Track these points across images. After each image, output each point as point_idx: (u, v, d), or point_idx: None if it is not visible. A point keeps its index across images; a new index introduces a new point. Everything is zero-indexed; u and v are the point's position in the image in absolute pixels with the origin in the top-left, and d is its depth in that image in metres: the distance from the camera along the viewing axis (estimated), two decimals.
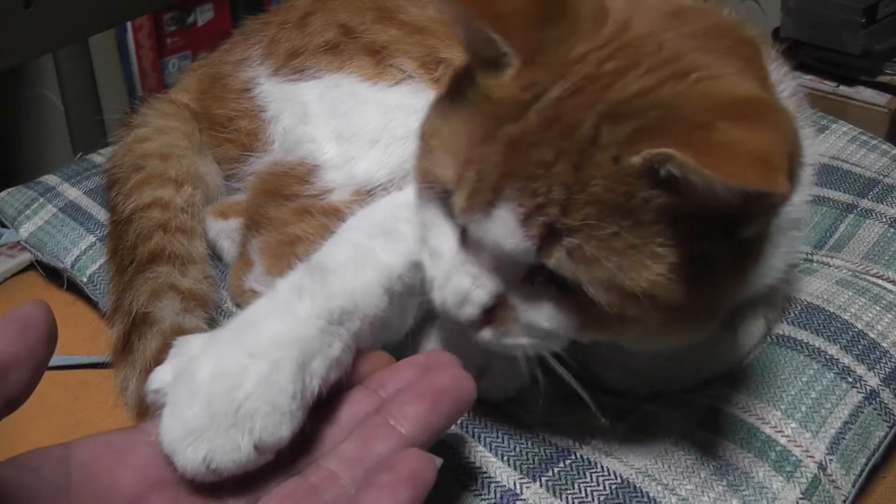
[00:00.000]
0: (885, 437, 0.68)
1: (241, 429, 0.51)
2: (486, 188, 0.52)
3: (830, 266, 0.85)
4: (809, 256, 0.86)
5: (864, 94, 1.42)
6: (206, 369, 0.53)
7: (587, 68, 0.52)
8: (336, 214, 0.74)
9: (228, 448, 0.51)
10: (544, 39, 0.52)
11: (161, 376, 0.58)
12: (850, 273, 0.83)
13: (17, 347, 0.45)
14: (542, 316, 0.55)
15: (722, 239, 0.52)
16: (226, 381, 0.52)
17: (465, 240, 0.56)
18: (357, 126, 0.77)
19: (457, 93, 0.57)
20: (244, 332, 0.56)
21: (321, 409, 0.55)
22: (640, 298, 0.51)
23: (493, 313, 0.55)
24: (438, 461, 0.52)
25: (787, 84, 0.71)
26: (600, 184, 0.49)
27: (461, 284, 0.55)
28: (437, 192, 0.58)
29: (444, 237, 0.58)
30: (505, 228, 0.52)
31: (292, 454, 0.53)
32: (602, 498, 0.60)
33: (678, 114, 0.50)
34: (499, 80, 0.53)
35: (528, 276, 0.54)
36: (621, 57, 0.52)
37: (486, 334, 0.56)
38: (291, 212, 0.77)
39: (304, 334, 0.55)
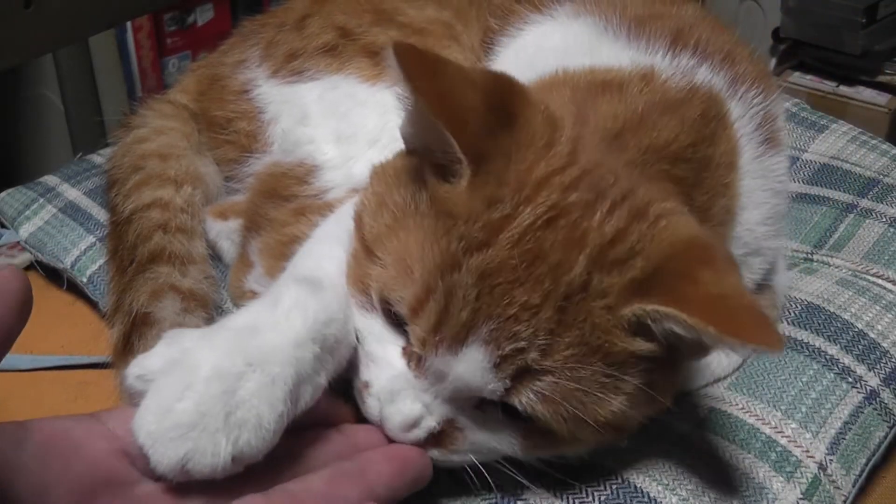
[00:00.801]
0: (886, 437, 0.68)
1: (226, 435, 0.49)
2: (455, 325, 0.50)
3: (830, 266, 0.85)
4: (809, 256, 0.86)
5: (864, 94, 1.42)
6: (206, 365, 0.51)
7: (553, 195, 0.51)
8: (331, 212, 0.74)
9: (209, 452, 0.49)
10: (494, 148, 0.52)
11: (149, 362, 0.54)
12: (850, 273, 0.83)
13: None
14: (491, 439, 0.55)
15: (668, 365, 0.54)
16: (222, 382, 0.50)
17: (413, 360, 0.54)
18: (356, 126, 0.77)
19: (401, 199, 0.55)
20: (245, 338, 0.54)
21: (296, 436, 0.53)
22: (597, 426, 0.52)
23: (439, 435, 0.54)
24: None
25: (757, 109, 0.71)
26: (588, 330, 0.50)
27: (411, 410, 0.53)
28: (371, 303, 0.56)
29: (382, 346, 0.56)
30: (474, 368, 0.50)
31: (259, 471, 0.51)
32: (603, 498, 0.60)
33: (659, 263, 0.51)
34: (454, 191, 0.52)
35: (479, 404, 0.54)
36: (583, 188, 0.52)
37: (433, 454, 0.55)
38: (290, 212, 0.77)
39: (301, 356, 0.53)
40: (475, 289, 0.49)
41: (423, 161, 0.55)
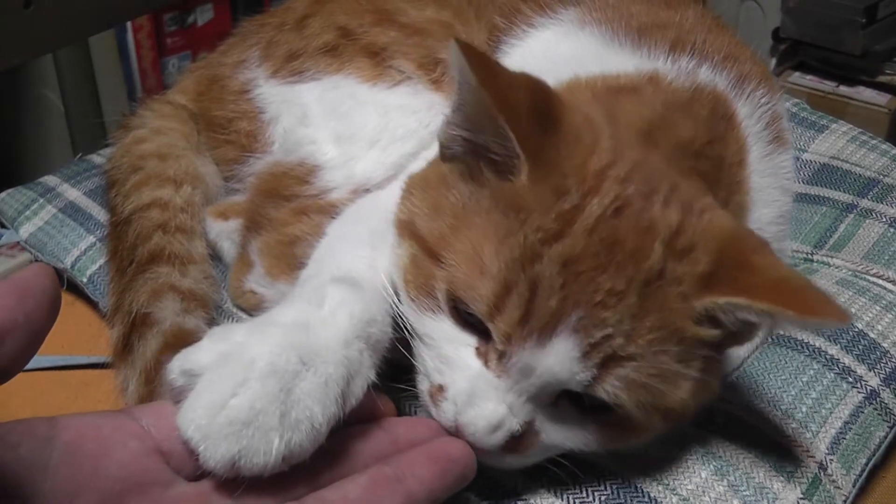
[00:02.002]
0: (886, 437, 0.68)
1: (280, 434, 0.48)
2: (544, 315, 0.50)
3: (830, 266, 0.85)
4: (809, 256, 0.86)
5: (864, 94, 1.42)
6: (262, 361, 0.50)
7: (615, 187, 0.53)
8: (333, 213, 0.75)
9: (262, 451, 0.48)
10: (545, 144, 0.53)
11: (196, 357, 0.52)
12: (850, 273, 0.83)
13: (13, 314, 0.43)
14: (566, 437, 0.55)
15: (719, 353, 0.57)
16: (279, 380, 0.49)
17: (491, 358, 0.53)
18: (356, 127, 0.78)
19: (456, 193, 0.55)
20: (298, 335, 0.52)
21: (336, 434, 0.52)
22: (667, 413, 0.54)
23: (518, 439, 0.53)
24: None
25: (765, 108, 0.72)
26: (665, 316, 0.51)
27: (494, 412, 0.52)
28: (439, 304, 0.55)
29: (455, 347, 0.54)
30: (563, 358, 0.50)
31: (297, 472, 0.50)
32: (603, 497, 0.60)
33: (718, 256, 0.53)
34: (515, 185, 0.52)
35: (555, 401, 0.54)
36: (637, 181, 0.54)
37: (507, 460, 0.55)
38: (291, 212, 0.77)
39: (349, 355, 0.53)
40: (560, 277, 0.49)
41: (475, 161, 0.55)
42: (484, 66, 0.52)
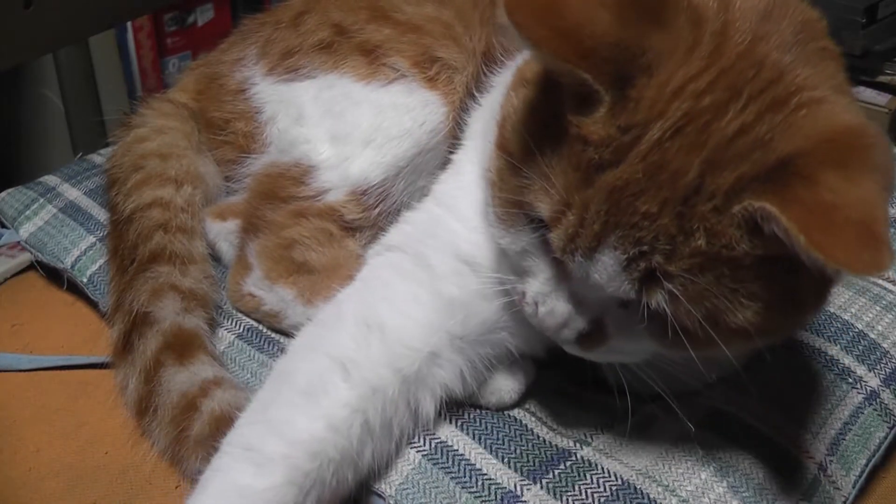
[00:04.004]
0: (885, 437, 0.68)
1: None
2: (588, 234, 0.52)
3: None
4: None
5: (864, 94, 1.41)
6: None
7: (686, 104, 0.51)
8: (332, 215, 0.74)
9: None
10: (633, 69, 0.51)
11: None
12: None
13: None
14: (632, 339, 0.57)
15: (807, 273, 0.51)
16: None
17: (561, 265, 0.56)
18: (351, 126, 0.77)
19: (541, 117, 0.56)
20: None
21: None
22: (735, 331, 0.53)
23: (588, 335, 0.58)
24: None
25: None
26: (703, 234, 0.50)
27: (561, 310, 0.57)
28: (526, 215, 0.57)
29: (535, 258, 0.59)
30: (606, 272, 0.53)
31: None
32: (602, 500, 0.60)
33: (778, 155, 0.50)
34: (591, 119, 0.52)
35: (624, 303, 0.56)
36: (720, 87, 0.51)
37: (586, 354, 0.59)
38: (288, 215, 0.77)
39: None
40: (605, 204, 0.51)
41: (560, 87, 0.55)
42: (540, 18, 0.51)
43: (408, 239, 0.69)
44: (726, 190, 0.50)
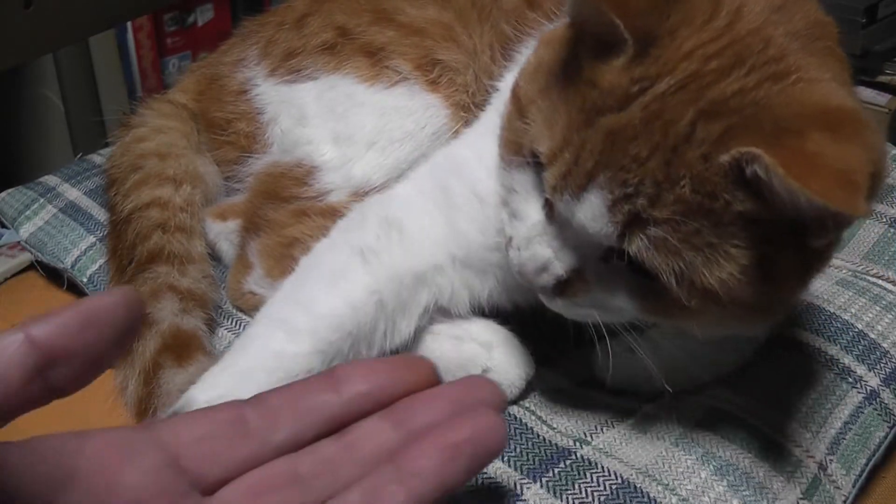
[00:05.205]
0: (886, 437, 0.68)
1: None
2: (580, 172, 0.54)
3: (831, 266, 0.84)
4: None
5: (864, 94, 1.41)
6: None
7: (693, 65, 0.52)
8: (334, 216, 0.75)
9: None
10: (660, 30, 0.53)
11: None
12: (850, 273, 0.83)
13: (71, 342, 0.43)
14: (613, 295, 0.57)
15: (792, 245, 0.53)
16: None
17: (549, 211, 0.58)
18: (354, 128, 0.78)
19: (556, 66, 0.57)
20: None
21: (341, 437, 0.52)
22: (708, 293, 0.53)
23: (566, 284, 0.58)
24: None
25: None
26: (688, 182, 0.51)
27: (541, 254, 0.58)
28: (525, 159, 0.59)
29: (527, 202, 0.60)
30: (592, 212, 0.54)
31: (306, 478, 0.50)
32: (602, 498, 0.60)
33: (771, 114, 0.51)
34: (610, 65, 0.53)
35: (605, 256, 0.57)
36: (727, 54, 0.53)
37: (558, 303, 0.59)
38: (290, 214, 0.77)
39: None
40: (600, 144, 0.53)
41: (587, 34, 0.56)
42: None
43: (435, 169, 0.73)
44: (715, 139, 0.50)
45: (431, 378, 0.55)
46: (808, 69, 0.53)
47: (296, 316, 0.66)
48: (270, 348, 0.64)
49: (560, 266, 0.58)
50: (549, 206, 0.58)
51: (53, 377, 0.43)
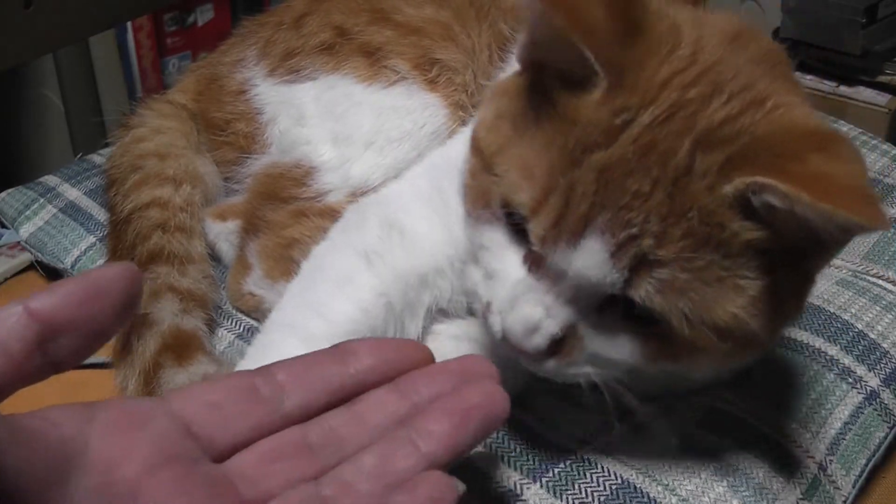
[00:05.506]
0: (886, 437, 0.68)
1: None
2: (574, 218, 0.50)
3: (831, 266, 0.84)
4: None
5: (864, 94, 1.42)
6: None
7: (674, 94, 0.51)
8: (332, 216, 0.75)
9: None
10: (627, 59, 0.52)
11: None
12: (850, 273, 0.83)
13: (75, 313, 0.43)
14: (613, 346, 0.54)
15: (790, 271, 0.53)
16: None
17: (534, 265, 0.54)
18: (352, 128, 0.78)
19: (521, 112, 0.55)
20: None
21: (350, 407, 0.53)
22: (720, 330, 0.51)
23: (560, 343, 0.54)
24: (461, 487, 0.50)
25: None
26: (696, 214, 0.49)
27: (532, 314, 0.53)
28: (495, 214, 0.56)
29: (502, 259, 0.56)
30: (593, 259, 0.50)
31: (320, 447, 0.51)
32: (602, 498, 0.60)
33: (764, 141, 0.50)
34: (584, 100, 0.52)
35: (601, 305, 0.53)
36: (703, 83, 0.52)
37: (550, 365, 0.55)
38: (288, 214, 0.77)
39: None
40: (594, 184, 0.50)
41: (547, 74, 0.55)
42: None
43: (431, 169, 0.72)
44: (717, 169, 0.50)
45: (430, 361, 0.56)
46: (779, 94, 0.53)
47: (310, 322, 0.64)
48: (288, 356, 0.63)
49: (554, 324, 0.53)
50: (530, 260, 0.55)
51: (54, 350, 0.43)
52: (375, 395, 0.54)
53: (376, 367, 0.54)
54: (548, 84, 0.54)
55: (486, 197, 0.56)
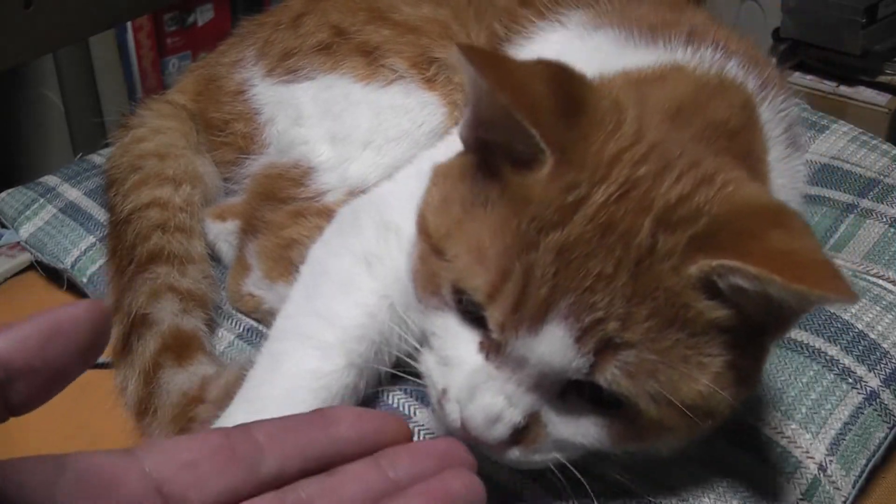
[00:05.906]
0: (885, 437, 0.68)
1: None
2: (534, 303, 0.49)
3: None
4: None
5: (864, 94, 1.42)
6: None
7: (625, 171, 0.51)
8: (330, 216, 0.75)
9: None
10: (572, 136, 0.51)
11: None
12: (850, 273, 0.83)
13: (31, 357, 0.41)
14: (578, 431, 0.53)
15: (751, 345, 0.53)
16: None
17: (492, 351, 0.52)
18: (350, 127, 0.77)
19: (468, 193, 0.54)
20: None
21: (327, 477, 0.51)
22: (687, 408, 0.51)
23: (522, 431, 0.52)
24: None
25: (784, 113, 0.71)
26: (661, 295, 0.49)
27: (493, 404, 0.51)
28: (444, 301, 0.55)
29: (456, 346, 0.54)
30: (556, 345, 0.49)
31: None
32: (603, 499, 0.60)
33: (726, 221, 0.50)
34: (533, 178, 0.51)
35: (563, 390, 0.52)
36: (652, 160, 0.52)
37: (514, 454, 0.53)
38: (287, 215, 0.77)
39: None
40: (553, 266, 0.49)
41: (493, 154, 0.54)
42: (493, 67, 0.51)
43: (422, 169, 0.69)
44: (681, 250, 0.49)
45: (410, 437, 0.53)
46: (726, 170, 0.53)
47: (322, 331, 0.64)
48: (306, 367, 0.62)
49: (517, 413, 0.51)
50: (488, 347, 0.53)
51: (9, 394, 0.41)
52: (354, 468, 0.51)
53: (357, 439, 0.51)
54: (495, 163, 0.53)
55: (435, 282, 0.55)
